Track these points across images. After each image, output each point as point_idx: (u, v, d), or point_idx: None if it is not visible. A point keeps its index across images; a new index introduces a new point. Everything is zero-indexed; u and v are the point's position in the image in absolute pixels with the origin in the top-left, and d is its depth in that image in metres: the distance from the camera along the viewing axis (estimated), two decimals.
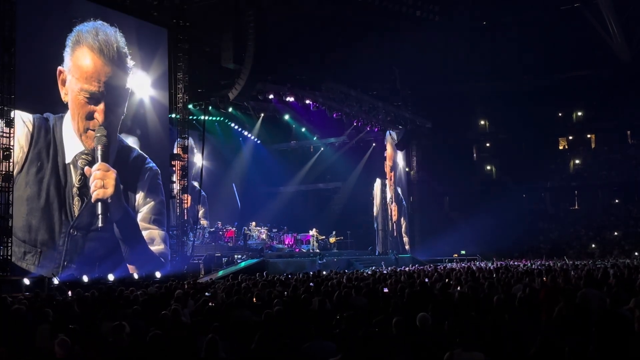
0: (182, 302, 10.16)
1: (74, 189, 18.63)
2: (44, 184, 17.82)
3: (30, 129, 17.55)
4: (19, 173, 17.10)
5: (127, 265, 19.69)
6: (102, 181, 19.21)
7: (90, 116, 19.18)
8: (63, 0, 19.23)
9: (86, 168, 18.90)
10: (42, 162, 17.86)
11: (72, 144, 18.79)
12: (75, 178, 18.66)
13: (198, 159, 28.17)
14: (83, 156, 18.95)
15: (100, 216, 19.04)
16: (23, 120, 17.35)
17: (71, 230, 18.31)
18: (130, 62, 20.77)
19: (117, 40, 20.18)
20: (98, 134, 19.24)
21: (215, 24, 25.13)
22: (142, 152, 21.38)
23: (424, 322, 7.05)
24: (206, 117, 27.70)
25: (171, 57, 22.69)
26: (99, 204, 19.10)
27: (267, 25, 25.57)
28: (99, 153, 19.20)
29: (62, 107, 18.57)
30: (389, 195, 36.26)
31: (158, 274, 19.65)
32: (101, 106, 19.39)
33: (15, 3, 16.73)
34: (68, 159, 18.63)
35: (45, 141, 18.04)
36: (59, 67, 18.49)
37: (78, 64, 18.96)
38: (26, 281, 16.08)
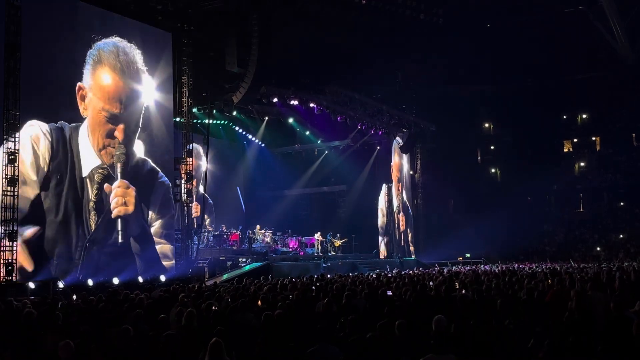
0: (187, 305, 10.15)
1: (91, 204, 18.92)
2: (63, 197, 18.08)
3: (50, 140, 17.78)
4: (41, 184, 17.41)
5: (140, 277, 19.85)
6: (123, 198, 19.62)
7: (110, 134, 19.54)
8: (69, 6, 19.20)
9: (106, 185, 19.26)
10: (61, 174, 18.11)
11: (89, 158, 19.03)
12: (92, 192, 18.93)
13: (203, 163, 28.21)
14: (100, 170, 19.23)
15: (120, 232, 19.48)
16: (42, 132, 17.57)
17: (87, 244, 18.59)
18: (146, 78, 21.11)
19: (136, 60, 20.60)
20: (118, 152, 19.65)
21: (220, 28, 25.19)
22: (154, 165, 21.66)
23: (439, 324, 6.90)
24: (210, 121, 27.75)
25: (175, 61, 22.76)
26: (119, 220, 19.52)
27: (271, 29, 25.61)
28: (118, 170, 19.59)
29: (74, 116, 18.73)
30: (395, 204, 36.27)
31: (163, 278, 19.68)
32: (121, 126, 19.85)
33: (21, 8, 16.78)
34: (85, 172, 18.88)
35: (64, 153, 18.29)
36: (79, 83, 18.76)
37: (100, 83, 19.35)
38: (31, 285, 16.12)
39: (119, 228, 19.47)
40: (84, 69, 18.94)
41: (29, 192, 17.13)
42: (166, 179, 22.14)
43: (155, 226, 21.39)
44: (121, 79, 20.00)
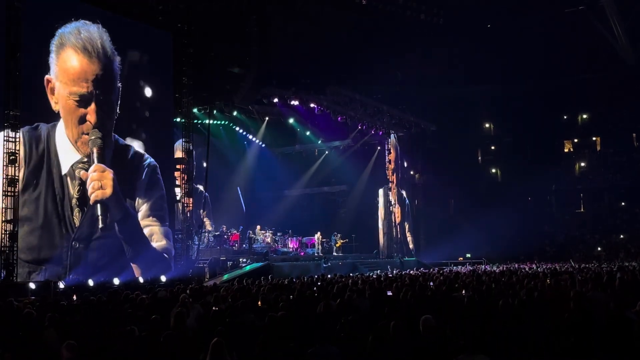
0: (188, 306, 10.17)
1: (73, 201, 18.26)
2: (41, 201, 17.44)
3: (22, 149, 16.93)
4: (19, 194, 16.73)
5: (132, 264, 19.50)
6: (99, 182, 18.69)
7: (82, 120, 18.57)
8: (69, 10, 18.96)
9: (82, 172, 18.42)
10: (37, 179, 17.40)
11: (68, 154, 18.32)
12: (73, 189, 18.27)
13: (203, 163, 28.21)
14: (80, 165, 18.51)
15: (100, 217, 18.59)
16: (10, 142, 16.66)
17: (73, 243, 18.01)
18: (118, 59, 19.94)
19: (102, 36, 19.26)
20: (92, 137, 18.68)
21: (220, 28, 25.20)
22: (138, 149, 20.97)
23: (427, 324, 7.02)
24: (211, 121, 27.76)
25: (176, 61, 22.74)
26: (98, 205, 18.62)
27: (271, 29, 25.64)
28: (94, 156, 18.68)
29: (54, 116, 18.13)
30: (392, 198, 36.21)
31: (163, 278, 19.67)
32: (92, 107, 18.68)
33: (20, 9, 16.80)
34: (64, 170, 18.20)
35: (38, 155, 17.58)
36: (47, 76, 17.91)
37: (64, 67, 18.29)
38: (32, 285, 16.13)
39: (99, 213, 18.52)
40: (49, 60, 17.95)
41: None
42: (152, 159, 21.28)
43: (144, 209, 20.59)
44: (85, 57, 18.65)
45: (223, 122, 30.93)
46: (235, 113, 29.65)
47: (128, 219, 19.90)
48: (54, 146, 18.06)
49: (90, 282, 17.35)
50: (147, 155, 21.28)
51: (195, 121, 25.76)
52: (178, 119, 23.58)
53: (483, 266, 28.84)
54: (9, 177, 16.32)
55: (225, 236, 27.56)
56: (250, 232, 28.40)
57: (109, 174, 19.09)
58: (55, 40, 18.17)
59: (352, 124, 33.13)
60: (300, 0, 28.06)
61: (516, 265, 27.80)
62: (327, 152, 37.63)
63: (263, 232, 29.26)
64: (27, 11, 17.05)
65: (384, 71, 35.14)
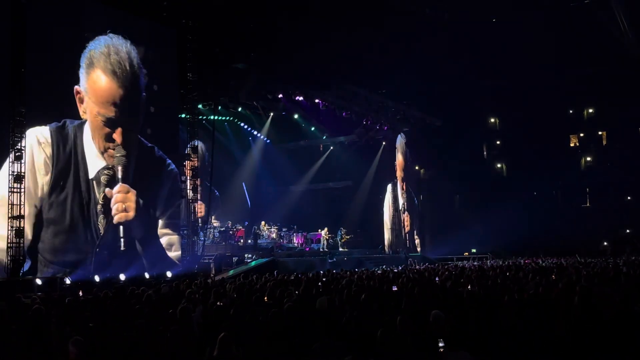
0: (194, 301, 10.20)
1: (99, 207, 18.74)
2: (68, 204, 17.87)
3: (49, 152, 17.47)
4: (44, 196, 17.27)
5: (146, 274, 19.88)
6: (123, 204, 19.34)
7: (109, 138, 19.20)
8: (75, 6, 19.08)
9: (107, 190, 18.94)
10: (64, 180, 17.84)
11: (94, 160, 18.83)
12: (99, 195, 18.77)
13: (208, 159, 28.25)
14: (106, 171, 19.03)
15: (122, 240, 19.22)
16: (39, 142, 17.29)
17: (97, 250, 18.49)
18: (144, 76, 20.62)
19: (130, 54, 19.91)
20: (118, 155, 19.30)
21: (225, 24, 25.16)
22: (161, 152, 21.50)
23: (437, 319, 6.96)
24: (216, 117, 27.80)
25: (180, 57, 22.73)
26: (121, 227, 19.23)
27: (276, 24, 25.59)
28: (119, 175, 19.29)
29: (78, 114, 18.61)
30: (400, 201, 36.26)
31: (169, 274, 19.73)
32: (119, 130, 19.37)
33: (25, 10, 16.82)
34: (91, 174, 18.66)
35: (66, 156, 17.98)
36: (76, 87, 18.51)
37: (93, 87, 18.93)
38: (38, 281, 16.19)
39: (121, 235, 19.23)
40: (79, 72, 18.63)
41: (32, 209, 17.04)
42: (174, 166, 22.06)
43: (163, 218, 21.28)
44: (113, 81, 19.32)
45: (228, 118, 30.96)
46: (240, 109, 29.67)
47: (148, 236, 20.45)
48: (81, 149, 18.46)
49: (97, 278, 17.41)
50: (169, 161, 21.87)
51: (200, 117, 25.79)
52: (183, 115, 23.58)
53: (489, 261, 28.81)
54: (15, 173, 16.39)
55: (231, 232, 27.62)
56: (256, 227, 28.45)
57: (132, 195, 19.62)
58: (85, 54, 18.73)
59: (357, 119, 33.10)
60: None
61: (522, 261, 27.72)
62: (332, 148, 37.63)
63: (268, 227, 29.31)
64: (32, 9, 17.08)
65: (389, 66, 35.03)
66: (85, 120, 18.71)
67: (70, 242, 17.82)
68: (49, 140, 17.54)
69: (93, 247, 18.37)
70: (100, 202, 18.73)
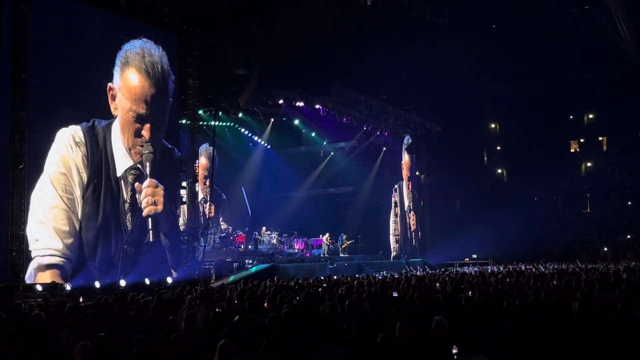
0: (195, 308, 10.19)
1: (126, 205, 19.45)
2: (101, 201, 18.58)
3: (84, 151, 18.22)
4: (82, 195, 17.97)
5: (172, 271, 20.74)
6: (152, 198, 20.07)
7: (138, 133, 19.94)
8: (73, 8, 19.15)
9: (137, 184, 19.70)
10: (98, 178, 18.58)
11: (122, 159, 19.54)
12: (126, 193, 19.47)
13: (209, 165, 28.30)
14: (132, 171, 19.72)
15: (151, 232, 20.01)
16: (75, 141, 17.99)
17: (125, 246, 19.10)
18: (172, 77, 21.51)
19: (162, 58, 20.93)
20: (146, 151, 20.02)
21: (225, 29, 25.23)
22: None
23: (439, 325, 6.93)
24: (216, 123, 27.81)
25: (181, 63, 22.77)
26: (150, 219, 19.98)
27: (276, 30, 25.66)
28: (147, 170, 19.97)
29: (106, 114, 19.26)
30: (407, 203, 36.29)
31: (169, 280, 19.72)
32: (147, 125, 20.16)
33: (28, 10, 16.88)
34: (119, 172, 19.38)
35: (98, 155, 18.75)
36: (109, 84, 19.32)
37: (127, 84, 19.79)
38: (39, 287, 16.17)
39: (150, 227, 19.99)
40: (113, 70, 19.51)
41: (75, 205, 17.77)
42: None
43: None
44: (147, 80, 20.35)
45: (228, 124, 30.97)
46: (240, 114, 29.69)
47: (173, 230, 21.37)
48: (110, 148, 19.23)
49: (97, 284, 17.41)
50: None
51: (201, 123, 25.80)
52: (183, 121, 23.60)
53: (490, 267, 28.76)
54: (15, 178, 16.39)
55: (231, 237, 27.59)
56: (256, 233, 28.42)
57: (161, 190, 20.44)
58: (121, 54, 19.75)
59: (358, 125, 33.12)
60: (305, 1, 28.04)
61: (522, 266, 27.67)
62: (332, 154, 37.63)
63: (269, 233, 29.28)
64: (34, 12, 17.16)
65: (389, 72, 35.09)
66: (112, 121, 19.36)
67: (101, 238, 18.45)
68: (83, 139, 18.29)
69: (121, 243, 19.01)
70: (127, 200, 19.48)
